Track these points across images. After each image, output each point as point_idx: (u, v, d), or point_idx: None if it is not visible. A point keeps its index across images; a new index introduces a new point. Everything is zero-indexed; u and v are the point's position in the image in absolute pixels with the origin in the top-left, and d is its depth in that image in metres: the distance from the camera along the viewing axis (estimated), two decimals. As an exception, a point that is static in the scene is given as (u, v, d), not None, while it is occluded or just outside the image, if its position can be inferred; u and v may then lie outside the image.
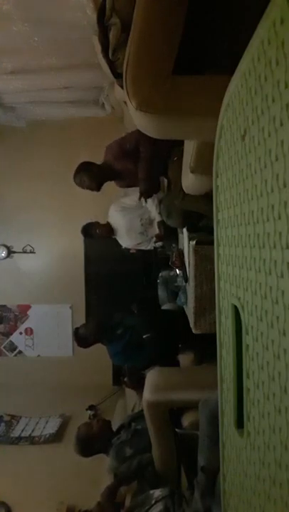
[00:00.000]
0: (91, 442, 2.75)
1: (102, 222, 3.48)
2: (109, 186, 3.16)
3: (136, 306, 3.34)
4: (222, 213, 0.94)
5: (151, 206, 3.14)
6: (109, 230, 3.44)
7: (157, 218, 3.15)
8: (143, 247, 3.52)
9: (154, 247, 3.47)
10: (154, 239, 3.36)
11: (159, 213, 3.04)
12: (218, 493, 1.54)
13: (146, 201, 3.07)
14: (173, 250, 2.65)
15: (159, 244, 3.35)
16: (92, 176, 2.94)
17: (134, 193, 3.20)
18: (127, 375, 3.03)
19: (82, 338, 3.12)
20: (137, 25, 1.33)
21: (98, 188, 3.03)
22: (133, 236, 3.38)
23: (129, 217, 3.31)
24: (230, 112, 0.83)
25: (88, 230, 3.46)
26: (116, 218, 3.38)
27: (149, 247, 3.48)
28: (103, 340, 3.17)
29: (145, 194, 2.89)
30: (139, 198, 2.99)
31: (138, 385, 2.98)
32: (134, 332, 3.03)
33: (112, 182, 3.14)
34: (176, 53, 1.31)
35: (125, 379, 3.07)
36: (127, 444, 2.71)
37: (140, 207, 3.25)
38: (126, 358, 3.11)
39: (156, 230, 3.26)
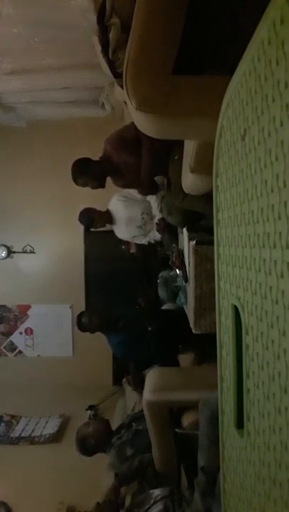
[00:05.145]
0: (89, 441, 2.77)
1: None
2: (109, 187, 3.15)
3: (142, 300, 3.31)
4: (222, 213, 0.94)
5: (154, 202, 3.12)
6: (108, 217, 3.36)
7: (158, 215, 3.13)
8: (137, 241, 3.50)
9: (148, 242, 3.44)
10: (151, 233, 3.34)
11: (160, 211, 3.02)
12: (218, 493, 1.55)
13: (147, 193, 3.01)
14: (173, 250, 2.65)
15: (156, 238, 3.33)
16: (95, 177, 2.87)
17: None
18: (132, 374, 3.03)
19: (82, 326, 3.11)
20: (137, 25, 1.33)
21: (103, 185, 2.94)
22: (130, 228, 3.33)
23: (131, 208, 3.25)
24: (230, 111, 0.83)
25: (86, 216, 3.35)
26: (118, 207, 3.30)
27: (144, 241, 3.44)
28: (104, 332, 3.16)
29: (144, 183, 2.76)
30: (141, 192, 2.94)
31: (140, 386, 2.98)
32: (136, 325, 3.02)
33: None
34: (176, 53, 1.31)
35: (129, 376, 3.07)
36: (128, 444, 2.72)
37: (144, 200, 3.21)
38: (127, 349, 3.10)
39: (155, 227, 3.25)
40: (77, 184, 2.96)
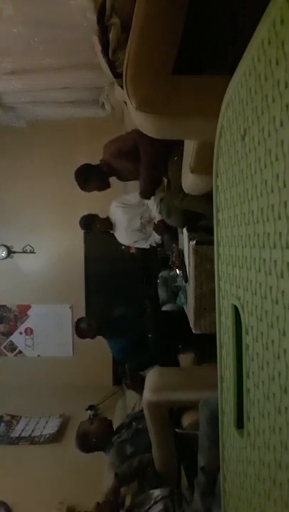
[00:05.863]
0: (89, 438, 2.78)
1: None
2: (109, 190, 3.16)
3: (147, 304, 3.31)
4: (222, 213, 0.94)
5: (152, 205, 3.15)
6: (108, 224, 3.45)
7: (157, 217, 3.14)
8: (139, 245, 3.52)
9: (150, 245, 3.46)
10: (151, 237, 3.36)
11: (160, 212, 3.04)
12: (218, 493, 1.55)
13: (148, 199, 3.07)
14: (173, 250, 2.65)
15: (156, 240, 3.34)
16: (99, 183, 3.00)
17: (136, 190, 3.21)
18: (129, 376, 3.02)
19: (82, 332, 3.10)
20: (137, 25, 1.33)
21: (108, 186, 3.06)
22: (130, 233, 3.39)
23: (129, 214, 3.31)
24: (230, 111, 0.83)
25: (87, 222, 3.45)
26: (117, 214, 3.37)
27: (146, 245, 3.47)
28: (104, 336, 3.16)
29: (144, 194, 2.88)
30: (140, 197, 3.00)
31: (140, 386, 2.98)
32: (137, 329, 3.02)
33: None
34: (176, 53, 1.31)
35: (127, 380, 3.06)
36: (127, 442, 2.72)
37: (142, 205, 3.25)
38: (127, 354, 3.10)
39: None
40: (85, 191, 3.03)
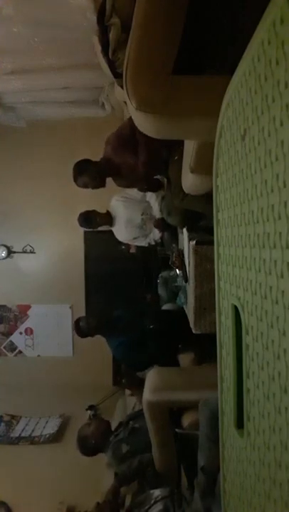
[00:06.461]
0: (89, 441, 2.78)
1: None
2: (109, 187, 3.15)
3: (149, 297, 3.29)
4: (222, 213, 0.94)
5: (154, 203, 3.11)
6: (108, 218, 3.36)
7: (158, 215, 3.12)
8: (138, 243, 3.48)
9: (149, 244, 3.43)
10: (151, 234, 3.33)
11: (160, 211, 3.02)
12: (218, 493, 1.55)
13: (146, 190, 3.01)
14: (173, 250, 2.65)
15: (156, 238, 3.32)
16: (92, 175, 2.90)
17: None
18: (125, 376, 3.02)
19: (81, 331, 3.08)
20: (137, 25, 1.33)
21: (103, 184, 2.94)
22: (130, 229, 3.32)
23: (131, 209, 3.24)
24: (230, 111, 0.83)
25: (86, 218, 3.35)
26: (118, 208, 3.30)
27: (144, 243, 3.43)
28: (104, 334, 3.15)
29: (146, 179, 2.74)
30: (140, 189, 2.93)
31: (136, 386, 2.97)
32: (136, 329, 3.02)
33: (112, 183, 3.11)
34: (176, 53, 1.31)
35: (123, 380, 3.06)
36: (123, 441, 2.72)
37: (144, 201, 3.20)
38: (126, 352, 3.09)
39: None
40: (77, 185, 2.97)
